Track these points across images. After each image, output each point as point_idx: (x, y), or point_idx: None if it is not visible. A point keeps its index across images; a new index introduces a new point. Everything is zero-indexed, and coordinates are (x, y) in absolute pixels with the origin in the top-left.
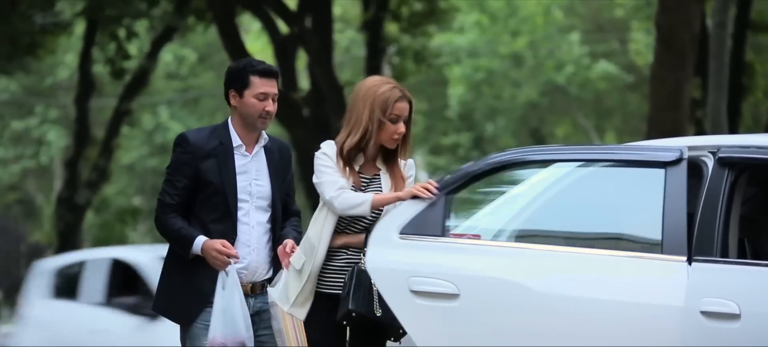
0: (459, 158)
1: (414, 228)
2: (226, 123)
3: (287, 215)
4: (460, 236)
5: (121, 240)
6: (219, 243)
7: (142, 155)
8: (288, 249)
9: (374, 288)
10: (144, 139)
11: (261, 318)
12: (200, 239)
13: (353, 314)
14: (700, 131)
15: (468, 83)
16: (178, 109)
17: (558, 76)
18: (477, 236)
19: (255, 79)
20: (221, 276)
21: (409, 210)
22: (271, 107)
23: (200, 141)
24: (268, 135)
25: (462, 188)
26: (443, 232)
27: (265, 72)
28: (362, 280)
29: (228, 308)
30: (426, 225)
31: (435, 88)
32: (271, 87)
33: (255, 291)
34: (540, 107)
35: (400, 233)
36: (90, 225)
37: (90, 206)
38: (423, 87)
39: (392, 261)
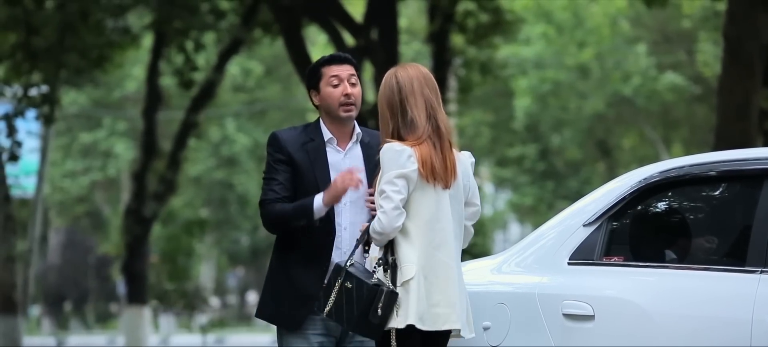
0: (525, 169)
1: (581, 255)
2: (317, 120)
3: None
4: (610, 259)
5: (188, 252)
6: (339, 176)
7: (209, 167)
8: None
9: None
10: (211, 151)
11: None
12: (319, 195)
13: None
14: None
15: (534, 95)
16: (244, 121)
17: (625, 88)
18: (622, 258)
19: (325, 69)
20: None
21: (576, 237)
22: (349, 89)
23: (291, 138)
24: (364, 129)
25: (622, 212)
26: (600, 257)
27: (334, 58)
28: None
29: None
30: (591, 251)
31: (501, 99)
32: (343, 70)
33: None
34: (606, 119)
35: (569, 260)
36: (157, 237)
37: (157, 218)
38: (489, 99)
39: (554, 286)
